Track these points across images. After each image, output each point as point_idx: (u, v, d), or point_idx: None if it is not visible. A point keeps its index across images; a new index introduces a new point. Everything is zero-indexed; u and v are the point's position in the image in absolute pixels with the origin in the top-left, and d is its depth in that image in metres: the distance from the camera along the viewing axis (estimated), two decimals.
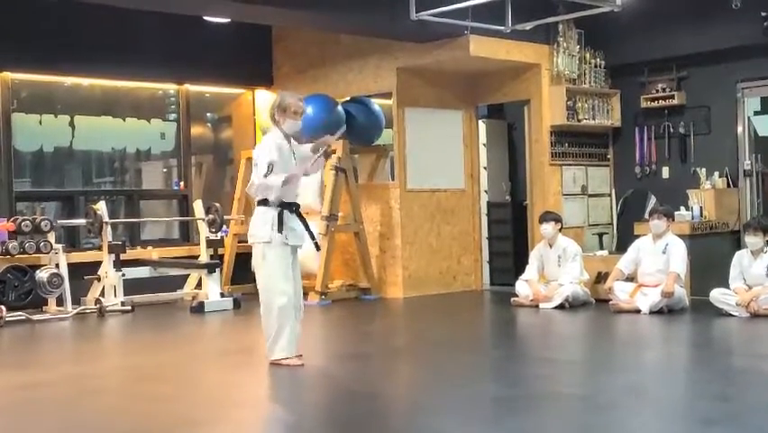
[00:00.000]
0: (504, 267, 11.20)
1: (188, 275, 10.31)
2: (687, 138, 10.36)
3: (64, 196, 10.68)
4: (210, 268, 9.75)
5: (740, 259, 8.37)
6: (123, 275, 9.63)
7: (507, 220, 11.39)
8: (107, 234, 9.70)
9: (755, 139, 10.13)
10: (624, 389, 5.55)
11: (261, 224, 6.28)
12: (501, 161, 11.65)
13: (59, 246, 9.52)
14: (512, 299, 9.41)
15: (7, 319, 8.73)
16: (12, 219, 9.40)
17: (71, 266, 9.56)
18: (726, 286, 8.30)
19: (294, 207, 6.36)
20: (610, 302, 8.80)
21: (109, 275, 9.58)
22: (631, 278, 8.94)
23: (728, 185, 9.99)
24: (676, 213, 9.43)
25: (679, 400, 5.38)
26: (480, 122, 11.21)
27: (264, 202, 6.30)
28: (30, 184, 10.60)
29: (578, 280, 9.21)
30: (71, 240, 10.42)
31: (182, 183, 11.34)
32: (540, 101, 10.38)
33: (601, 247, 10.46)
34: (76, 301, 9.54)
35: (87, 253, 10.12)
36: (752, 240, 8.29)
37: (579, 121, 10.47)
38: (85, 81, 10.79)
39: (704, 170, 10.02)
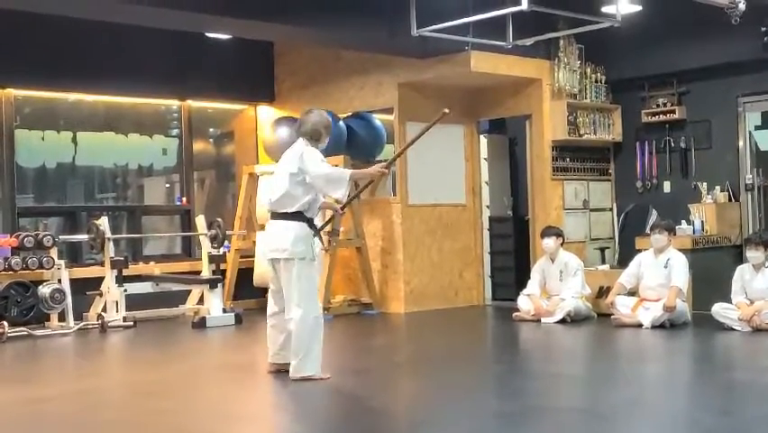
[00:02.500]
0: (506, 282, 11.18)
1: (190, 291, 10.31)
2: (688, 152, 10.38)
3: (66, 211, 10.69)
4: (212, 283, 9.75)
5: (742, 273, 8.37)
6: (126, 290, 9.63)
7: (508, 235, 11.38)
8: (109, 249, 9.70)
9: (757, 153, 10.14)
10: (625, 403, 5.55)
11: (303, 239, 6.26)
12: (503, 175, 11.66)
13: (62, 262, 9.54)
14: (514, 313, 9.40)
15: (10, 335, 8.73)
16: (14, 235, 9.41)
17: (73, 282, 9.57)
18: (728, 300, 8.29)
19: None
20: (612, 317, 8.80)
21: (111, 291, 9.59)
22: (633, 292, 8.94)
23: (730, 199, 9.99)
24: (677, 227, 9.42)
25: (680, 413, 5.37)
26: (481, 137, 11.22)
27: (299, 216, 6.26)
28: (32, 200, 10.62)
29: (579, 294, 9.22)
30: (73, 255, 10.44)
31: (184, 198, 11.36)
32: (541, 116, 10.40)
33: (603, 262, 10.45)
34: (78, 317, 9.54)
35: (90, 269, 10.13)
36: (753, 254, 8.29)
37: (580, 136, 10.49)
38: (87, 97, 10.81)
39: (705, 184, 10.03)
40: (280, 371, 6.41)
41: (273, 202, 6.32)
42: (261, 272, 10.17)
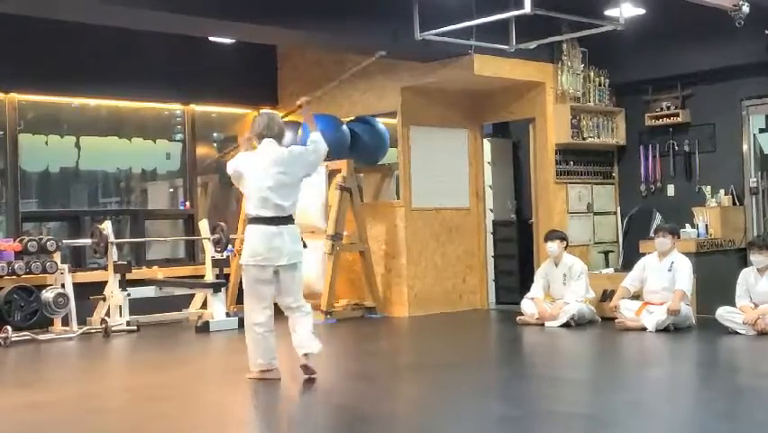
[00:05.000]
0: (509, 285, 11.18)
1: (194, 295, 10.31)
2: (692, 156, 10.37)
3: (70, 216, 10.70)
4: (215, 287, 9.76)
5: (746, 277, 8.34)
6: (129, 295, 9.64)
7: (512, 239, 11.38)
8: (113, 253, 9.71)
9: (761, 156, 10.12)
10: (629, 407, 5.53)
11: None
12: (506, 179, 11.66)
13: (65, 266, 9.54)
14: (518, 317, 9.39)
15: (13, 339, 8.73)
16: (18, 239, 9.42)
17: (77, 286, 9.57)
18: (733, 304, 8.27)
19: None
20: (616, 320, 8.78)
21: (114, 295, 9.59)
22: (637, 296, 8.92)
23: (734, 203, 9.97)
24: (681, 231, 9.41)
25: (684, 418, 5.36)
26: (484, 140, 11.22)
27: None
28: (36, 204, 10.62)
29: (583, 298, 9.20)
30: (77, 260, 10.43)
31: (188, 203, 11.36)
32: (545, 119, 10.39)
33: (607, 265, 10.44)
34: (81, 321, 9.55)
35: (93, 273, 10.13)
36: (757, 258, 8.26)
37: (583, 139, 10.48)
38: (91, 102, 10.83)
39: (709, 187, 10.01)
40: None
41: (286, 207, 6.34)
42: None
